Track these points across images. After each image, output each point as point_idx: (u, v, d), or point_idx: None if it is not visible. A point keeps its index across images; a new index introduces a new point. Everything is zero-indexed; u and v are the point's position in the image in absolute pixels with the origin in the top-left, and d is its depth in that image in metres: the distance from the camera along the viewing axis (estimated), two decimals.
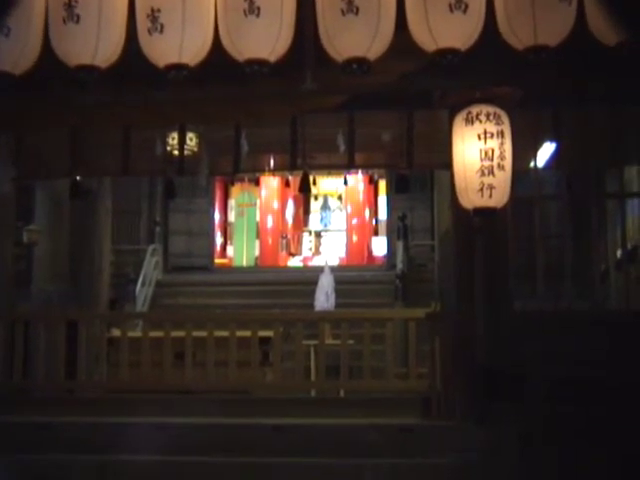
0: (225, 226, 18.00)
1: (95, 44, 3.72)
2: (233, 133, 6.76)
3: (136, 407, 7.18)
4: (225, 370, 7.95)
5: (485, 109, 5.41)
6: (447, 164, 5.75)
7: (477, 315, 6.12)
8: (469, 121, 5.42)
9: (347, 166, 7.10)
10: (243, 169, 7.15)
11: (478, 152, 5.37)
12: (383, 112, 6.60)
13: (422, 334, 7.63)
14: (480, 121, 5.39)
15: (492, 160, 5.37)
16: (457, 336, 6.32)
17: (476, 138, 5.39)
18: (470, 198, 5.43)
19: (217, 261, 16.70)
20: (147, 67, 3.79)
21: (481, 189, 5.36)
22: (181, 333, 8.16)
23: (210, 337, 8.04)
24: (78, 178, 6.92)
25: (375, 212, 17.96)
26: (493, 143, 5.38)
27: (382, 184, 17.23)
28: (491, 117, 5.40)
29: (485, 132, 5.38)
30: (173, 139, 7.03)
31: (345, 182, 15.17)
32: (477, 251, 6.17)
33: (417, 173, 12.76)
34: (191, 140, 7.09)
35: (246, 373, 8.04)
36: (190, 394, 8.05)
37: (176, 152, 6.94)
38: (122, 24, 3.79)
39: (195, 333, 8.18)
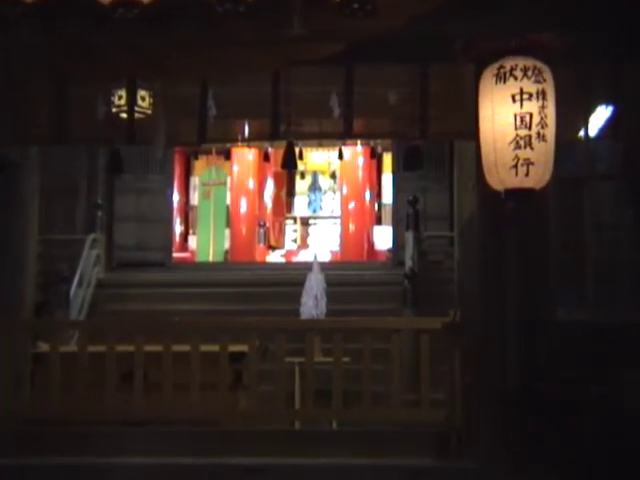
0: (186, 211, 18.01)
1: None
2: (198, 91, 6.74)
3: (69, 443, 7.14)
4: (186, 395, 7.93)
5: (522, 62, 5.42)
6: (471, 133, 5.77)
7: (508, 326, 6.11)
8: (501, 78, 5.44)
9: (343, 135, 7.10)
10: (210, 138, 7.14)
11: (512, 118, 5.39)
12: (390, 66, 6.61)
13: (438, 350, 7.62)
14: (515, 78, 5.41)
15: (530, 128, 5.38)
16: (483, 353, 6.31)
17: (510, 100, 5.40)
18: (501, 177, 5.45)
19: (176, 255, 16.75)
20: (87, 2, 3.75)
21: (515, 165, 5.39)
22: (129, 347, 8.12)
23: (167, 352, 8.01)
24: None
25: (378, 194, 17.99)
26: (532, 106, 5.39)
27: (387, 159, 17.28)
28: (529, 73, 5.41)
29: (521, 92, 5.39)
30: (120, 98, 6.99)
31: (340, 156, 15.14)
32: (509, 245, 6.16)
33: (432, 145, 12.80)
34: (143, 100, 7.04)
35: (213, 399, 8.02)
36: (140, 426, 8.02)
37: (124, 115, 6.90)
38: None
39: (147, 347, 8.15)
